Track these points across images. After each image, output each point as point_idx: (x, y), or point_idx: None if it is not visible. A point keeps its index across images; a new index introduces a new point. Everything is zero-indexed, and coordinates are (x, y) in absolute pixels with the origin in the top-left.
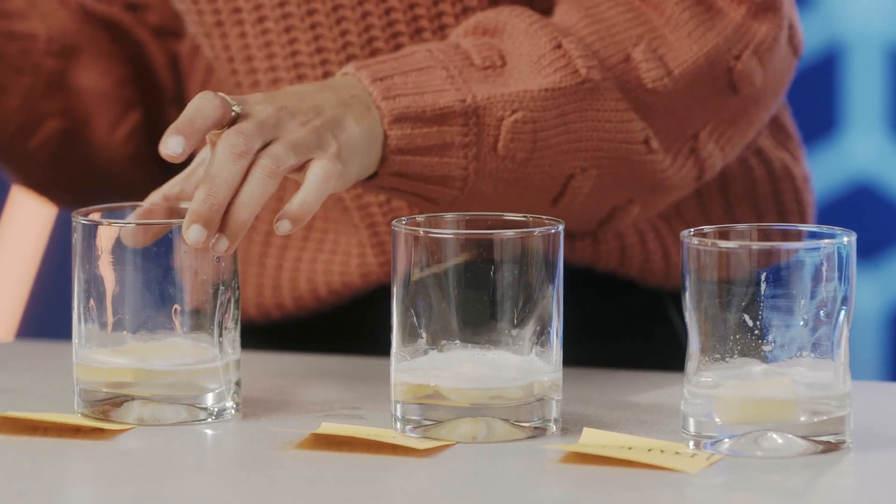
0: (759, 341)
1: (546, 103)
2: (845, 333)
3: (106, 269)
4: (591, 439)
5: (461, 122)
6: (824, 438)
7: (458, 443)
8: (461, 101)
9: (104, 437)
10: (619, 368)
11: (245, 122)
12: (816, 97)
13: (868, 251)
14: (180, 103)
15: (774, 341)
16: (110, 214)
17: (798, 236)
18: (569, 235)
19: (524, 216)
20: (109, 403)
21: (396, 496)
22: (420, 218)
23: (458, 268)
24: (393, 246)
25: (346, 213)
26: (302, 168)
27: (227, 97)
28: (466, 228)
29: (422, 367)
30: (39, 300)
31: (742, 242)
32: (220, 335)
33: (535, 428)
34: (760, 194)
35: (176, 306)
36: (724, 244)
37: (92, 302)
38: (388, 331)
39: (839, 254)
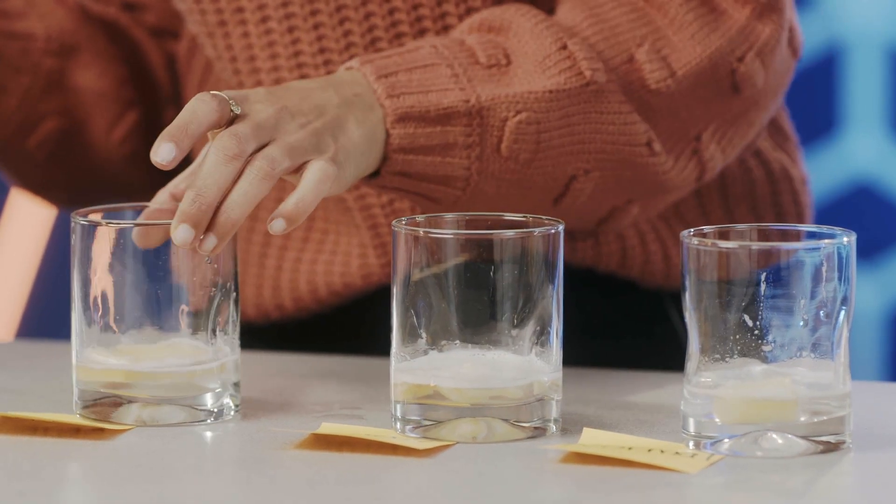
0: (759, 341)
1: (550, 104)
2: (845, 333)
3: (104, 269)
4: (591, 439)
5: (465, 123)
6: (824, 438)
7: (458, 443)
8: (465, 102)
9: (104, 437)
10: (620, 369)
11: (241, 124)
12: (816, 97)
13: (868, 251)
14: (177, 104)
15: (774, 341)
16: (109, 215)
17: (798, 236)
18: (569, 236)
19: (524, 216)
20: (108, 404)
21: (396, 496)
22: (420, 218)
23: (458, 268)
24: (393, 246)
25: (348, 213)
26: (299, 170)
27: (226, 97)
28: (466, 228)
29: (422, 367)
30: (39, 300)
31: (742, 243)
32: (216, 336)
33: (535, 428)
34: (759, 195)
35: (175, 307)
36: (723, 244)
37: (90, 302)
38: (388, 331)
39: (839, 254)
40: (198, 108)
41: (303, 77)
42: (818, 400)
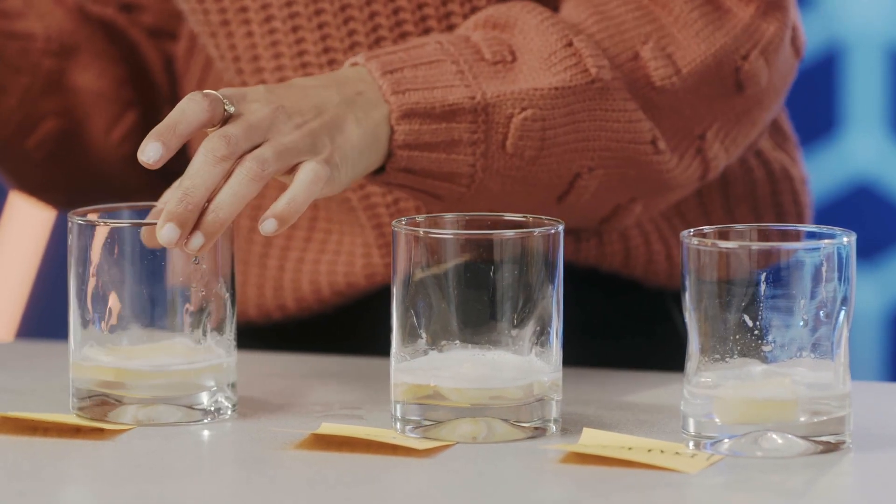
0: (759, 341)
1: (555, 101)
2: (845, 333)
3: (100, 268)
4: (591, 439)
5: (470, 119)
6: (824, 439)
7: (457, 443)
8: (470, 98)
9: (104, 437)
10: (621, 369)
11: (233, 125)
12: (816, 97)
13: (868, 251)
14: (174, 105)
15: (774, 341)
16: (106, 215)
17: (798, 236)
18: (573, 236)
19: (524, 216)
20: (102, 403)
21: (396, 496)
22: (420, 218)
23: (458, 268)
24: (393, 246)
25: (352, 213)
26: (292, 171)
27: (220, 95)
28: (466, 228)
29: (422, 367)
30: (39, 300)
31: (742, 243)
32: (208, 335)
33: (535, 428)
34: (759, 195)
35: (171, 306)
36: (723, 244)
37: (87, 301)
38: (388, 331)
39: (839, 254)
40: (187, 108)
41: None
42: (818, 400)
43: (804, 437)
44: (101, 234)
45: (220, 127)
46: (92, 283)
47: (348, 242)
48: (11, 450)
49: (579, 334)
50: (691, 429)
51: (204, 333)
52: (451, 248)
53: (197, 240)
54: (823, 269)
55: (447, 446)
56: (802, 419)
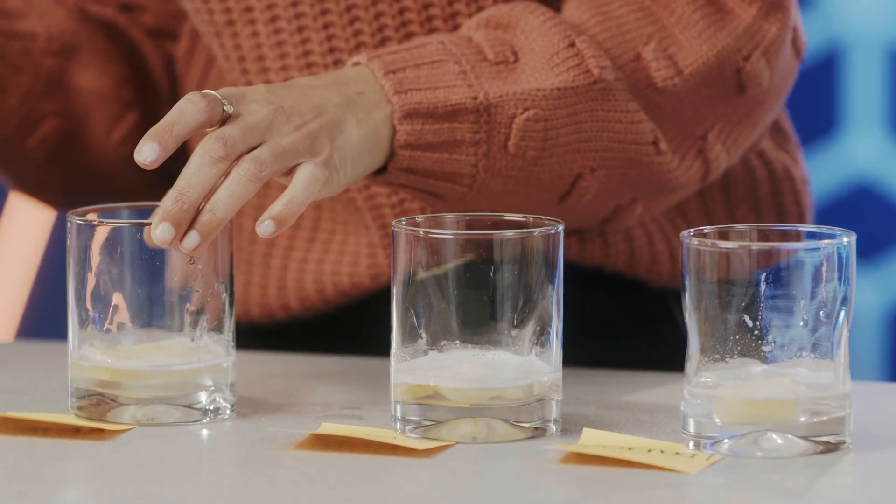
0: (759, 342)
1: (558, 102)
2: (845, 334)
3: (99, 268)
4: (591, 440)
5: (472, 120)
6: (824, 439)
7: (457, 443)
8: (473, 98)
9: (104, 438)
10: (623, 368)
11: (230, 126)
12: (816, 97)
13: (868, 251)
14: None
15: (774, 342)
16: (105, 214)
17: (798, 237)
18: (575, 233)
19: (524, 216)
20: (100, 402)
21: (396, 496)
22: (420, 218)
23: (457, 268)
24: (393, 246)
25: (357, 213)
26: (290, 172)
27: (219, 96)
28: (466, 229)
29: (422, 367)
30: (39, 300)
31: (742, 243)
32: (205, 336)
33: (535, 428)
34: (761, 196)
35: (169, 306)
36: (724, 244)
37: (85, 301)
38: (388, 331)
39: (839, 254)
40: (185, 108)
41: None
42: (818, 400)
43: (804, 438)
44: (100, 234)
45: (219, 127)
46: (91, 283)
47: (353, 242)
48: (11, 450)
49: (580, 334)
50: (691, 429)
51: (200, 333)
52: (452, 248)
53: (192, 239)
54: (823, 269)
55: (447, 446)
56: (802, 419)
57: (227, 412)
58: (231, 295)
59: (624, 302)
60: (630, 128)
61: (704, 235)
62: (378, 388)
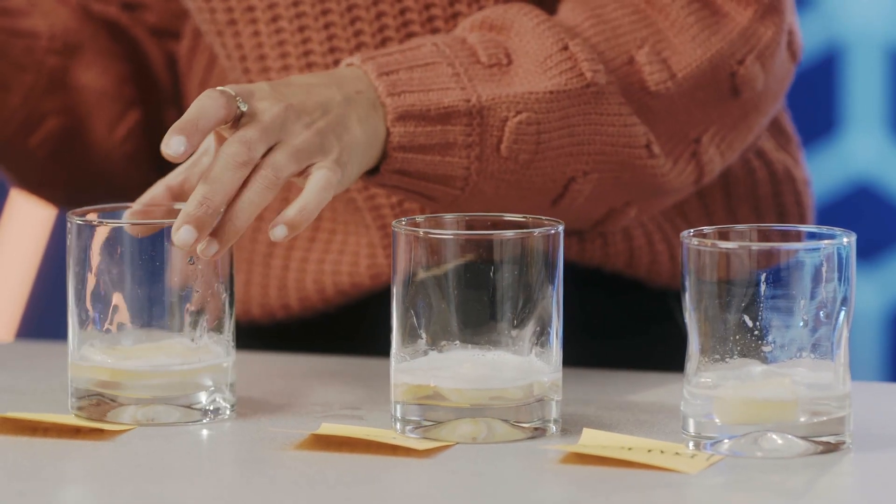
0: (759, 342)
1: (550, 105)
2: (845, 334)
3: (99, 268)
4: (591, 440)
5: (465, 122)
6: (824, 439)
7: (457, 443)
8: (466, 101)
9: (104, 438)
10: (622, 369)
11: (249, 129)
12: (816, 97)
13: (868, 251)
14: (178, 104)
15: (774, 342)
16: (105, 214)
17: (798, 237)
18: (575, 234)
19: (524, 217)
20: (100, 402)
21: (396, 496)
22: (420, 218)
23: (457, 268)
24: (393, 246)
25: (356, 213)
26: (304, 172)
27: (232, 92)
28: (466, 229)
29: (421, 367)
30: (39, 300)
31: (742, 243)
32: (204, 336)
33: (535, 428)
34: (762, 196)
35: (169, 307)
36: (724, 244)
37: (85, 301)
38: (388, 331)
39: (839, 254)
40: (206, 105)
41: None
42: (818, 400)
43: (804, 438)
44: (100, 233)
45: (233, 125)
46: (91, 283)
47: (353, 243)
48: (11, 450)
49: (580, 334)
50: (691, 429)
51: (200, 333)
52: (452, 248)
53: (213, 247)
54: (823, 269)
55: (447, 446)
56: (802, 419)
57: (227, 412)
58: (231, 295)
59: (624, 302)
60: (623, 131)
61: (704, 235)
62: (378, 389)
